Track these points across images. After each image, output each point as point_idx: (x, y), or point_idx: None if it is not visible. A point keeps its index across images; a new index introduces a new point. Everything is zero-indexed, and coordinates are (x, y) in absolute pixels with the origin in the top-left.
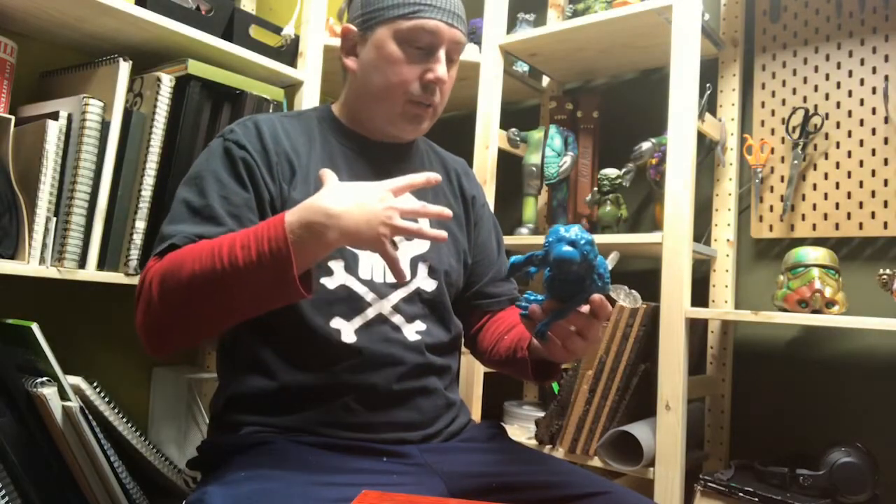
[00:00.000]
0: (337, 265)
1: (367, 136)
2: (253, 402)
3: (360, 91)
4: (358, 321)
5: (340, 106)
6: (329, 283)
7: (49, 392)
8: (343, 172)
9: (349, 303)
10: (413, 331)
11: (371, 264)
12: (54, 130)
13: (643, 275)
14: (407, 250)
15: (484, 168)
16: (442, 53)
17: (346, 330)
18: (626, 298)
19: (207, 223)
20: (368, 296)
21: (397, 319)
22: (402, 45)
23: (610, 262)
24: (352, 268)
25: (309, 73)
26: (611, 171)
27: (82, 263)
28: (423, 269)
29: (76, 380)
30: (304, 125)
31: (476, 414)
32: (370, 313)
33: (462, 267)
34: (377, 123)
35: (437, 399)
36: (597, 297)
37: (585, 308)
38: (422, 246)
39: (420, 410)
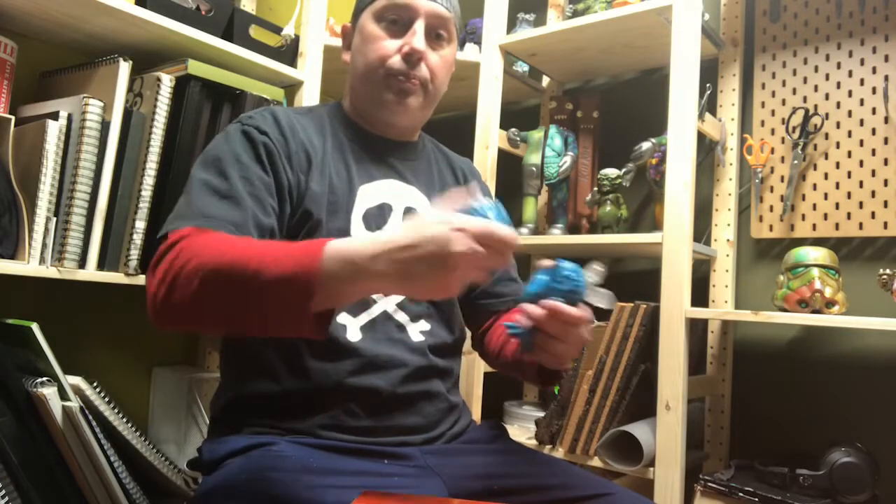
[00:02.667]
0: None
1: (372, 130)
2: (255, 406)
3: (353, 80)
4: (364, 317)
5: (346, 102)
6: None
7: (49, 392)
8: (353, 167)
9: None
10: (417, 330)
11: None
12: (54, 130)
13: (643, 275)
14: None
15: (484, 168)
16: (419, 26)
17: (352, 327)
18: (597, 297)
19: (227, 202)
20: None
21: (401, 317)
22: (379, 22)
23: (592, 273)
24: None
25: (309, 73)
26: (611, 171)
27: (82, 263)
28: None
29: (76, 380)
30: (315, 120)
31: (476, 414)
32: (375, 310)
33: None
34: (371, 110)
35: (440, 402)
36: (549, 303)
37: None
38: None
39: (423, 414)
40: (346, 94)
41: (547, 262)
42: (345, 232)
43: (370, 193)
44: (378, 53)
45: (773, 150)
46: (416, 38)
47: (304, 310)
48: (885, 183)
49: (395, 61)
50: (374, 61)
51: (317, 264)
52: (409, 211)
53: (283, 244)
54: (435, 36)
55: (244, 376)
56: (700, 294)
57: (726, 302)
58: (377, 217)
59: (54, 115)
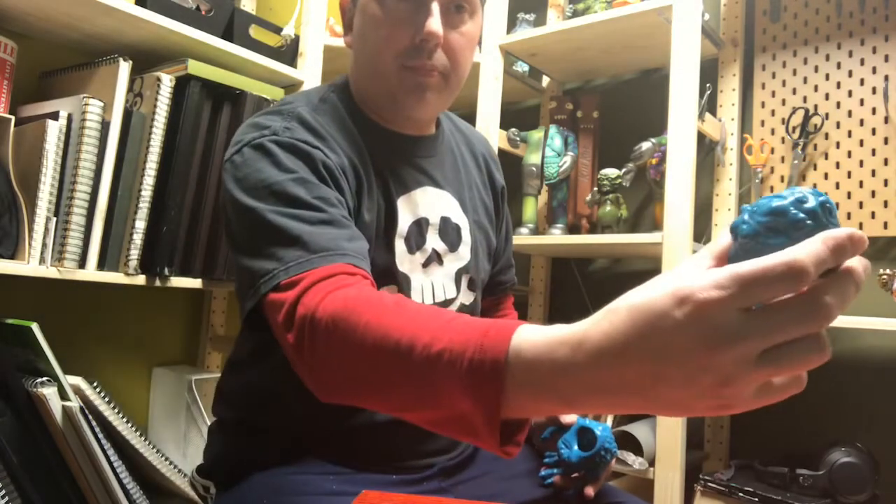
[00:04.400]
0: (389, 289)
1: (387, 125)
2: (282, 433)
3: (358, 70)
4: None
5: (352, 87)
6: None
7: (49, 392)
8: (388, 177)
9: None
10: None
11: (421, 285)
12: (54, 130)
13: (643, 275)
14: (452, 264)
15: None
16: (434, 6)
17: None
18: (635, 462)
19: (328, 227)
20: None
21: None
22: (383, 1)
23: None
24: (405, 290)
25: (309, 73)
26: (611, 171)
27: (82, 263)
28: (465, 282)
29: (76, 380)
30: (338, 121)
31: None
32: None
33: (492, 266)
34: (382, 105)
35: None
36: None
37: (590, 491)
38: (464, 257)
39: (449, 437)
40: (350, 78)
41: (570, 420)
42: (389, 261)
43: (407, 208)
44: (386, 42)
45: (773, 150)
46: (432, 19)
47: (485, 427)
48: (885, 183)
49: (408, 52)
50: (380, 50)
51: (503, 355)
52: (444, 222)
53: (452, 322)
54: (455, 8)
55: (280, 387)
56: None
57: None
58: (416, 236)
59: (54, 115)
